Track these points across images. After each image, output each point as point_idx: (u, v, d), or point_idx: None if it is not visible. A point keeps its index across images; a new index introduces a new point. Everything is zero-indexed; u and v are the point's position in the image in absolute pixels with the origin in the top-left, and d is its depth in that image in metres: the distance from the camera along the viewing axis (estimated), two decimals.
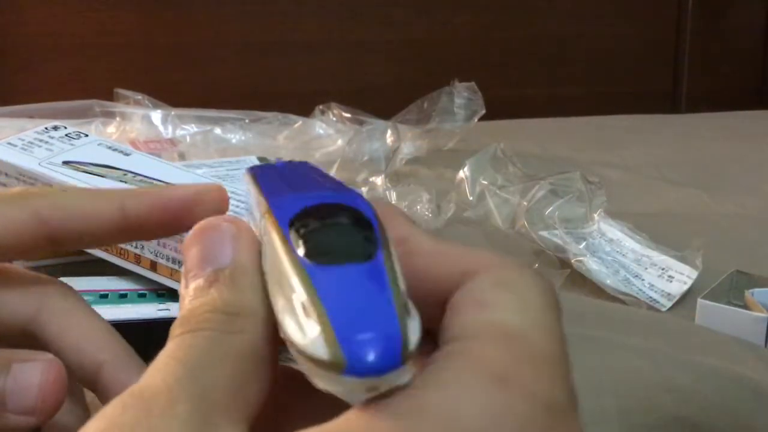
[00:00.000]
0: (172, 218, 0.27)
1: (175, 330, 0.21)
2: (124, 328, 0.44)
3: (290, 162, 0.25)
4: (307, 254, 0.20)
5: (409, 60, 1.51)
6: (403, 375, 0.18)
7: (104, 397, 0.27)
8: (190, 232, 0.23)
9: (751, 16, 1.65)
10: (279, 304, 0.20)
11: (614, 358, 0.47)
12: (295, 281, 0.19)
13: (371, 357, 0.18)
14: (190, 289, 0.22)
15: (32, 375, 0.25)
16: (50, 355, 0.26)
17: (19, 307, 0.27)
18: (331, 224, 0.21)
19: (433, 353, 0.20)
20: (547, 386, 0.19)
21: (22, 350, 0.26)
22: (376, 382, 0.18)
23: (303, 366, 0.19)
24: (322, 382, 0.18)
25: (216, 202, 0.26)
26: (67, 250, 0.28)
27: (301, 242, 0.20)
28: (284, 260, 0.20)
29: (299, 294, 0.19)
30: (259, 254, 0.22)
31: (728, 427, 0.42)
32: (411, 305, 0.20)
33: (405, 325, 0.18)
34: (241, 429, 0.20)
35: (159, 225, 0.27)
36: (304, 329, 0.19)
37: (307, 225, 0.20)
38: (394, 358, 0.18)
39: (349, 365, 0.18)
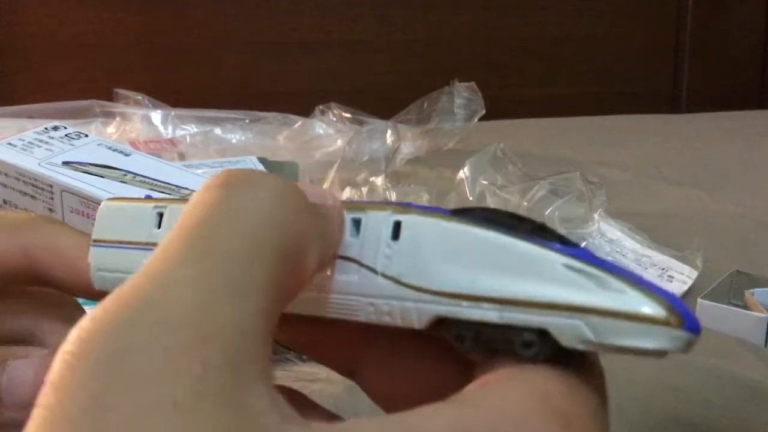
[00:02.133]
0: None
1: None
2: None
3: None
4: (560, 242, 0.20)
5: (409, 60, 1.51)
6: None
7: None
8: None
9: (751, 16, 1.65)
10: (505, 281, 0.19)
11: (614, 358, 0.47)
12: (558, 260, 0.19)
13: (692, 316, 0.18)
14: None
15: (27, 371, 0.25)
16: (45, 351, 0.26)
17: (19, 319, 0.27)
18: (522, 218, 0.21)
19: (482, 370, 0.20)
20: (598, 429, 0.19)
21: (19, 347, 0.26)
22: (695, 339, 0.18)
23: (596, 331, 0.18)
24: (645, 342, 0.18)
25: None
26: (48, 288, 0.27)
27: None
28: (537, 252, 0.19)
29: (589, 272, 0.19)
30: None
31: (728, 427, 0.42)
32: None
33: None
34: (269, 379, 0.18)
35: None
36: (610, 295, 0.18)
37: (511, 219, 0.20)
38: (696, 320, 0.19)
39: (686, 323, 0.18)
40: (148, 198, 0.26)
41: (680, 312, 0.18)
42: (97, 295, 0.27)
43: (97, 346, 0.16)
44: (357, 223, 0.22)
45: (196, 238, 0.18)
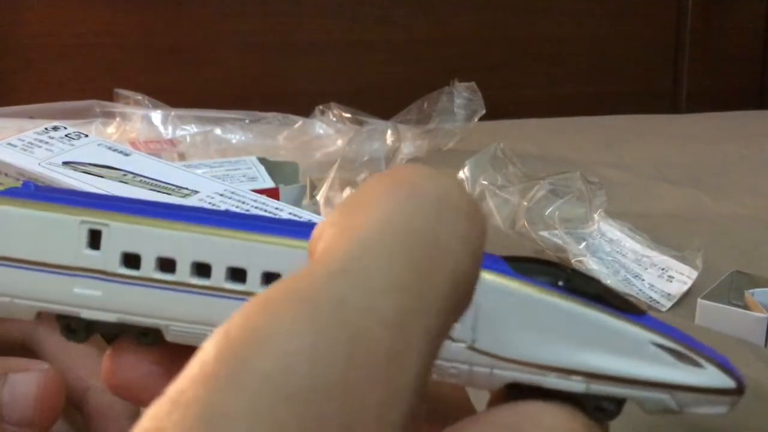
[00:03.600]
0: None
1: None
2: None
3: None
4: (622, 308, 0.20)
5: (409, 60, 1.51)
6: None
7: (87, 419, 0.26)
8: None
9: (751, 16, 1.65)
10: (569, 351, 0.19)
11: None
12: (632, 332, 0.19)
13: (741, 376, 0.20)
14: None
15: (28, 385, 0.25)
16: (46, 365, 0.25)
17: (15, 324, 0.27)
18: (589, 279, 0.20)
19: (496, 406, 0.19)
20: None
21: (18, 359, 0.26)
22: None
23: (675, 401, 0.20)
24: (705, 407, 0.20)
25: None
26: None
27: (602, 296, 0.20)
28: (628, 329, 0.19)
29: (661, 343, 0.19)
30: None
31: (728, 427, 0.42)
32: None
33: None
34: None
35: None
36: (693, 371, 0.20)
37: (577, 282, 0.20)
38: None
39: (744, 387, 0.20)
40: (48, 199, 0.20)
41: (742, 380, 0.20)
42: None
43: (276, 375, 0.13)
44: None
45: (397, 257, 0.15)
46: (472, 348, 0.19)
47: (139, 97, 0.99)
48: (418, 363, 0.15)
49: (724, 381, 0.19)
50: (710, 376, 0.19)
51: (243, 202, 0.50)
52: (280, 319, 0.14)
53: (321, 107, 0.98)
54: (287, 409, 0.13)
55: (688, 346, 0.20)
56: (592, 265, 0.62)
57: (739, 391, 0.20)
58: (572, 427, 0.18)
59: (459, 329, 0.19)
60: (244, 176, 0.64)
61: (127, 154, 0.53)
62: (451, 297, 0.16)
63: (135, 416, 0.26)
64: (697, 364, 0.19)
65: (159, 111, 0.95)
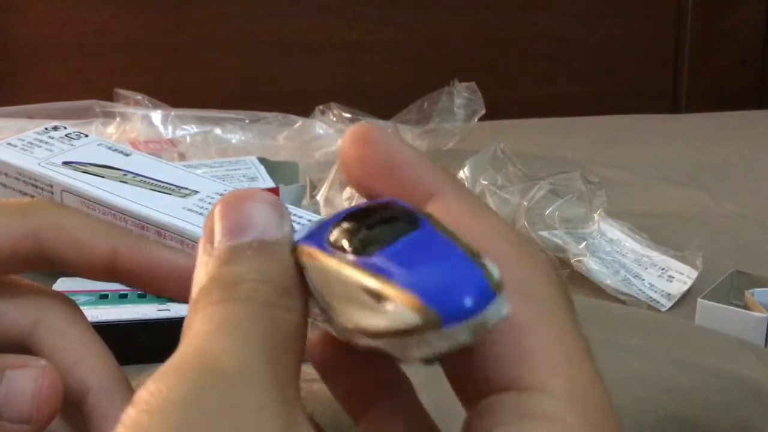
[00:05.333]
0: (158, 281, 0.27)
1: (212, 294, 0.20)
2: (124, 328, 0.44)
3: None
4: (355, 252, 0.19)
5: (409, 60, 1.51)
6: (502, 306, 0.17)
7: (87, 419, 0.26)
8: (225, 197, 0.21)
9: (751, 16, 1.65)
10: (344, 311, 0.19)
11: (614, 358, 0.47)
12: (354, 280, 0.18)
13: (464, 298, 0.17)
14: (222, 250, 0.20)
15: (26, 382, 0.25)
16: (44, 361, 0.25)
17: (16, 320, 0.27)
18: (370, 222, 0.20)
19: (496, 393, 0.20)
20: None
21: (16, 356, 0.26)
22: (479, 321, 0.17)
23: (397, 349, 0.18)
24: (424, 348, 0.17)
25: None
26: (56, 270, 0.27)
27: (346, 247, 0.19)
28: (336, 270, 0.19)
29: (365, 287, 0.18)
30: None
31: (728, 427, 0.42)
32: (480, 253, 0.18)
33: (480, 259, 0.18)
34: (304, 415, 0.19)
35: (143, 282, 0.27)
36: (383, 312, 0.18)
37: (348, 231, 0.19)
38: (485, 290, 0.17)
39: (445, 315, 0.17)
40: None
41: (444, 309, 0.17)
42: (102, 275, 0.27)
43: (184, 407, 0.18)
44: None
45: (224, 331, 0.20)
46: (330, 323, 0.20)
47: (139, 97, 0.99)
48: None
49: (408, 318, 0.17)
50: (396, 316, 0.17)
51: None
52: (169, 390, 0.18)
53: (321, 107, 0.98)
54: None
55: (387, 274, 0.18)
56: (592, 265, 0.62)
57: (428, 326, 0.17)
58: None
59: (318, 313, 0.21)
60: (244, 176, 0.64)
61: (127, 154, 0.53)
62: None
63: None
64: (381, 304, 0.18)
65: (159, 111, 0.95)
